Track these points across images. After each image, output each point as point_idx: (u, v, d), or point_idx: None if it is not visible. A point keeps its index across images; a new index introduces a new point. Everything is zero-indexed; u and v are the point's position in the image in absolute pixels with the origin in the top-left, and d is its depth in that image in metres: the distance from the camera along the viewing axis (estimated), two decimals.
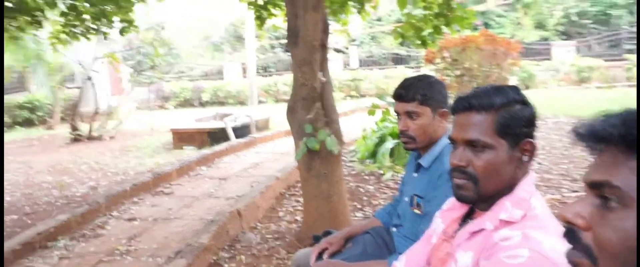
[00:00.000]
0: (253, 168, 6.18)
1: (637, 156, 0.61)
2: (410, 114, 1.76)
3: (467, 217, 1.25)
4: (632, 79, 13.94)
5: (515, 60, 8.35)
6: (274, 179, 4.89)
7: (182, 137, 8.52)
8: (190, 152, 7.74)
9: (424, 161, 1.80)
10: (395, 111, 1.84)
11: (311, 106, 3.07)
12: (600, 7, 18.46)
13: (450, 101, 1.76)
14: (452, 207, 1.31)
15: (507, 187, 1.12)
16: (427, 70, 13.59)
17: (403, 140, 1.82)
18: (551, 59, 16.55)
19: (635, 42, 17.02)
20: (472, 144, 1.12)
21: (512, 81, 9.95)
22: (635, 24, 16.61)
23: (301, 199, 4.17)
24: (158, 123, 11.11)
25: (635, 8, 17.87)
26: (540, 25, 18.80)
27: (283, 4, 4.84)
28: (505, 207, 1.10)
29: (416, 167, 1.86)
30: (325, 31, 3.14)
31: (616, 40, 17.73)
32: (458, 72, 8.25)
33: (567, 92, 12.93)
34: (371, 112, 4.44)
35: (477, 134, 1.11)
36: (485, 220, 1.12)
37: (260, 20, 5.16)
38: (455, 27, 4.56)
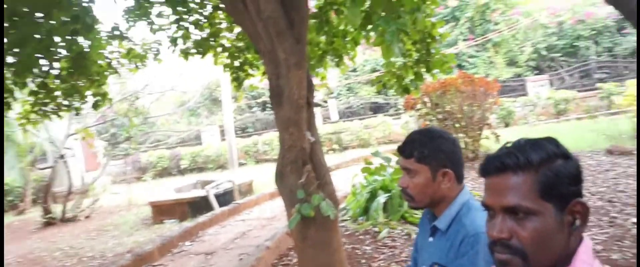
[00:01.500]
0: (240, 238, 5.80)
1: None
2: (408, 171, 1.58)
3: None
4: (615, 107, 14.06)
5: (495, 98, 8.34)
6: (264, 249, 4.55)
7: (161, 210, 8.09)
8: (171, 226, 7.33)
9: (440, 223, 1.59)
10: None
11: (301, 169, 2.81)
12: (566, 40, 19.10)
13: (459, 159, 1.55)
14: None
15: (562, 260, 0.94)
16: (407, 116, 13.59)
17: (404, 197, 1.65)
18: (527, 94, 16.88)
19: (603, 71, 17.51)
20: (512, 211, 0.94)
21: (492, 119, 9.92)
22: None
23: None
24: (136, 197, 10.64)
25: (599, 39, 18.49)
26: (512, 62, 19.26)
27: (260, 63, 4.67)
28: None
29: (431, 231, 1.63)
30: (310, 88, 2.93)
31: (586, 71, 18.21)
32: (440, 117, 8.18)
33: (548, 126, 12.94)
34: (366, 170, 4.20)
35: (517, 199, 0.93)
36: None
37: (237, 81, 4.99)
38: (435, 72, 4.48)
